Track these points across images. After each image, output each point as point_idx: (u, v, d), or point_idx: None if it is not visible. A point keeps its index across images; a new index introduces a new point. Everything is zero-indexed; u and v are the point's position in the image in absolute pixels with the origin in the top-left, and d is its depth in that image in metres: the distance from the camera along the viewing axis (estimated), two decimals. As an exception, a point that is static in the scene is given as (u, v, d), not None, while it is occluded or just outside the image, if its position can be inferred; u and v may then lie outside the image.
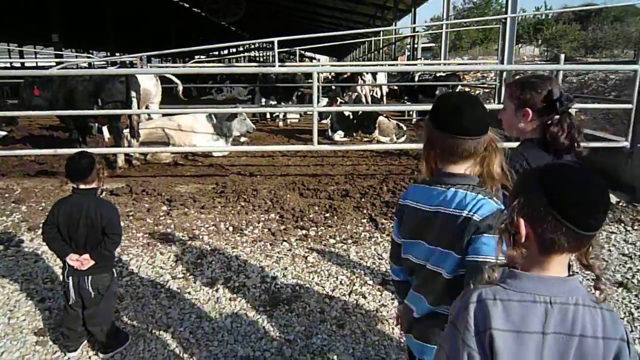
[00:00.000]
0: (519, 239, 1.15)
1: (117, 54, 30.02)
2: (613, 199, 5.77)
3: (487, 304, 1.14)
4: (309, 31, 18.59)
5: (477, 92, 18.95)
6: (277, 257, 4.36)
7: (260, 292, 3.75)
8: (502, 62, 9.40)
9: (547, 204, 1.10)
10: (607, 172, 6.24)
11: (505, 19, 9.31)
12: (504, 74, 9.53)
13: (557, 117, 2.01)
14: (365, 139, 9.66)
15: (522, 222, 1.14)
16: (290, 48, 17.93)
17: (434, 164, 1.66)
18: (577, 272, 1.18)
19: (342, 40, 18.31)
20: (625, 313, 3.46)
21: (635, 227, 5.07)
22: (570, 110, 2.07)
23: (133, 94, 7.41)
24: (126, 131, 7.59)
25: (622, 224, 5.12)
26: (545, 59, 25.31)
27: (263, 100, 12.53)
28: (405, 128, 9.87)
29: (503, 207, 1.46)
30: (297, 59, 16.81)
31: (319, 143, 7.41)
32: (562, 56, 7.84)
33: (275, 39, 6.98)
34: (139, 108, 7.34)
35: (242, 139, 9.09)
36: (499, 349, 1.10)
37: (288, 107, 11.23)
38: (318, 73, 6.13)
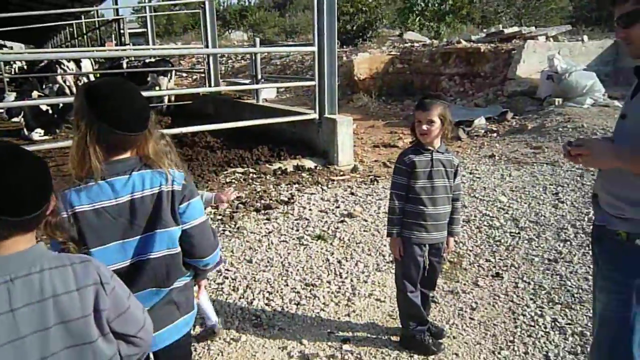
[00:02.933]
0: None
1: None
2: (311, 164, 6.58)
3: None
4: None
5: (195, 76, 19.13)
6: None
7: None
8: (207, 46, 9.62)
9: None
10: (305, 142, 7.07)
11: (204, 3, 9.51)
12: (211, 58, 9.80)
13: None
14: (72, 135, 8.65)
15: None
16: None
17: (99, 158, 1.50)
18: (42, 241, 1.22)
19: (33, 23, 15.87)
20: (322, 260, 3.97)
21: (330, 186, 5.89)
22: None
23: None
24: None
25: (320, 185, 5.88)
26: (252, 43, 27.18)
27: None
28: (118, 119, 9.21)
29: (183, 174, 1.64)
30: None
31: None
32: (257, 40, 8.48)
33: None
34: None
35: None
36: None
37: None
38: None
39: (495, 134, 8.43)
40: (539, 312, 3.19)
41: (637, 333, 1.77)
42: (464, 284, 3.58)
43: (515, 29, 13.66)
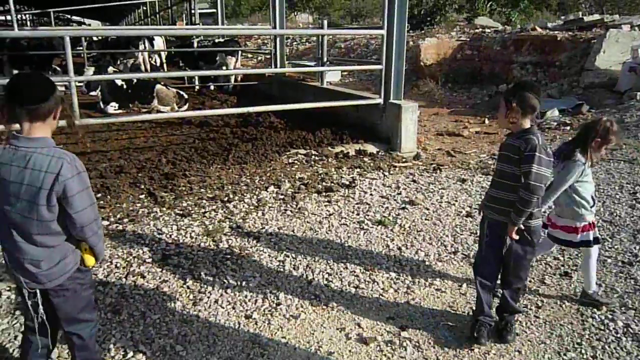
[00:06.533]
0: None
1: None
2: (373, 149, 6.54)
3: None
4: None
5: (260, 57, 19.39)
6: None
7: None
8: (274, 27, 9.69)
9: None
10: (368, 126, 7.02)
11: (274, -16, 9.54)
12: (278, 39, 9.88)
13: None
14: (144, 110, 9.05)
15: None
16: (48, 10, 15.50)
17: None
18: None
19: (109, 1, 16.61)
20: (382, 246, 3.96)
21: (392, 172, 5.83)
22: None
23: None
24: None
25: (381, 170, 5.84)
26: (318, 26, 27.13)
27: (15, 71, 10.69)
28: (186, 96, 9.53)
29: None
30: (53, 22, 14.68)
31: (87, 117, 6.68)
32: (325, 22, 8.44)
33: (12, -3, 5.89)
34: None
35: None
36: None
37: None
38: (70, 37, 5.40)
39: (568, 127, 8.00)
40: (610, 316, 3.04)
41: None
42: (530, 281, 3.45)
43: (597, 16, 12.82)
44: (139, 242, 3.98)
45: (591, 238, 3.08)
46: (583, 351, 2.73)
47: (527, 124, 2.56)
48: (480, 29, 15.36)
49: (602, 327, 2.94)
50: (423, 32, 16.94)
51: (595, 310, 3.10)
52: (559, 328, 2.94)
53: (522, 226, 2.61)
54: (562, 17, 15.34)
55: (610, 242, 4.01)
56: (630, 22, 11.57)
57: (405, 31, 6.60)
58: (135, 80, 9.26)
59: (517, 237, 2.62)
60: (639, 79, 8.90)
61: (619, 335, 2.86)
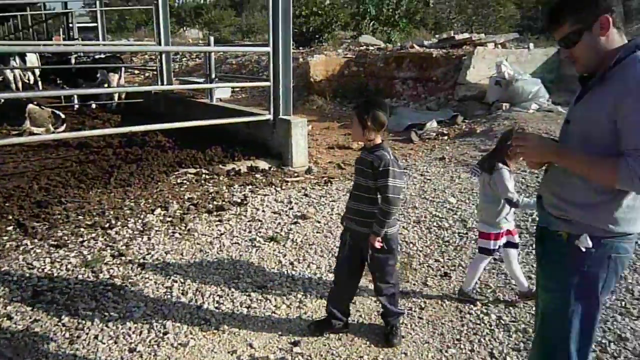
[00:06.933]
0: None
1: None
2: (265, 165, 6.54)
3: None
4: None
5: (147, 74, 18.60)
6: None
7: None
8: (159, 43, 9.38)
9: None
10: (259, 143, 7.01)
11: (157, 0, 9.26)
12: (163, 55, 9.57)
13: None
14: (14, 132, 8.23)
15: None
16: None
17: None
18: None
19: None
20: (274, 262, 3.95)
21: (284, 187, 5.86)
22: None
23: None
24: None
25: (273, 186, 5.84)
26: (207, 42, 26.75)
27: None
28: (63, 116, 8.84)
29: None
30: None
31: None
32: (212, 39, 8.36)
33: None
34: None
35: None
36: None
37: None
38: None
39: (446, 137, 8.65)
40: (485, 311, 3.29)
41: (574, 329, 1.86)
42: (414, 284, 3.64)
43: (466, 35, 14.06)
44: (6, 280, 3.58)
45: (491, 247, 3.26)
46: (462, 346, 2.92)
47: (378, 139, 2.76)
48: (365, 47, 16.12)
49: (478, 322, 3.17)
50: (312, 49, 17.38)
51: (472, 306, 3.35)
52: (440, 326, 3.12)
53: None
54: (437, 36, 16.63)
55: (483, 241, 4.36)
56: (494, 40, 12.84)
57: (291, 48, 6.72)
58: (2, 100, 8.42)
59: (379, 246, 2.75)
60: (504, 91, 9.89)
61: (492, 328, 3.11)
